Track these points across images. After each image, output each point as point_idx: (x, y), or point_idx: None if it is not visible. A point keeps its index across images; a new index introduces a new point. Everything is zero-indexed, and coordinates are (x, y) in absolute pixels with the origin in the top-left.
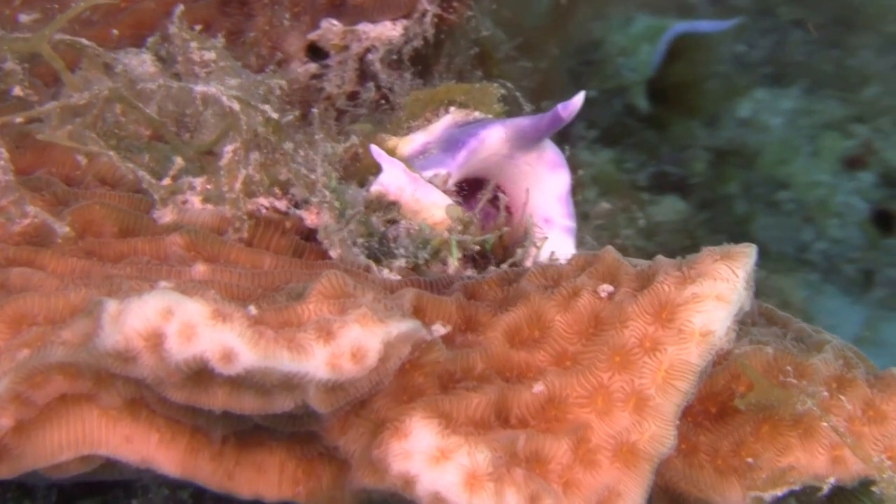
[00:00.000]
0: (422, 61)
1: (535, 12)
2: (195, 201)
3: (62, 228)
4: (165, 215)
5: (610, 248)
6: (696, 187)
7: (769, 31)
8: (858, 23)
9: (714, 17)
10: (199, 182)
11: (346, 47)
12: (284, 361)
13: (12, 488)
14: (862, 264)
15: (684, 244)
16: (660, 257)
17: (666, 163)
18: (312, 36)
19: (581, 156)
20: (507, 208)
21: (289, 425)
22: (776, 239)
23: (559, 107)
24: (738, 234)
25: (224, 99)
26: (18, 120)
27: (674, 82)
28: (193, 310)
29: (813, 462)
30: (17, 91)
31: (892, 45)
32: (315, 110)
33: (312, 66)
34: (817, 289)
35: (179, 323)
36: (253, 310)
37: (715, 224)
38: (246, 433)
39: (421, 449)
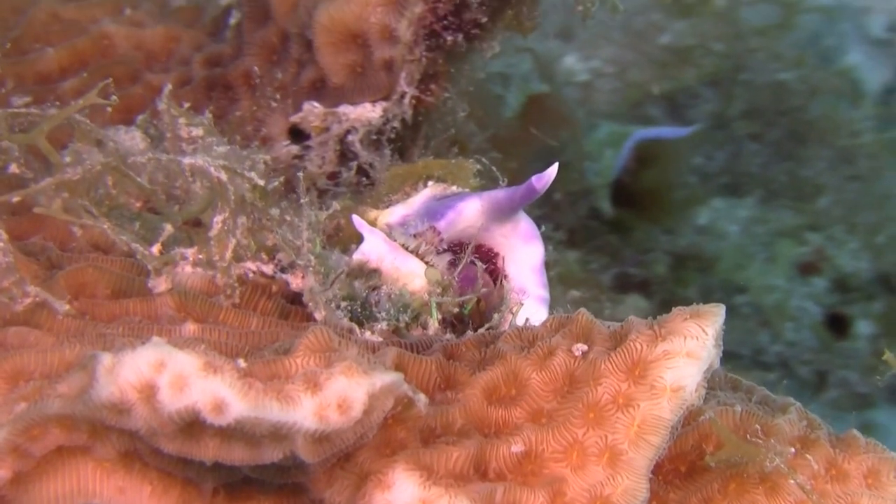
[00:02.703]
0: (400, 142)
1: (505, 117)
2: (185, 264)
3: (63, 307)
4: (160, 285)
5: (583, 309)
6: (657, 289)
7: (726, 144)
8: (811, 137)
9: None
10: (190, 253)
11: (326, 129)
12: (274, 411)
13: None
14: (816, 366)
15: None
16: (632, 317)
17: (628, 265)
18: (295, 118)
19: (548, 256)
20: (484, 276)
21: (277, 476)
22: (734, 341)
23: (533, 178)
24: None
25: (212, 170)
26: (15, 199)
27: (645, 188)
28: (185, 361)
29: None
30: (14, 168)
31: (843, 159)
32: (300, 174)
33: (294, 148)
34: (774, 389)
35: (172, 374)
36: (242, 363)
37: None
38: (235, 486)
39: (403, 500)
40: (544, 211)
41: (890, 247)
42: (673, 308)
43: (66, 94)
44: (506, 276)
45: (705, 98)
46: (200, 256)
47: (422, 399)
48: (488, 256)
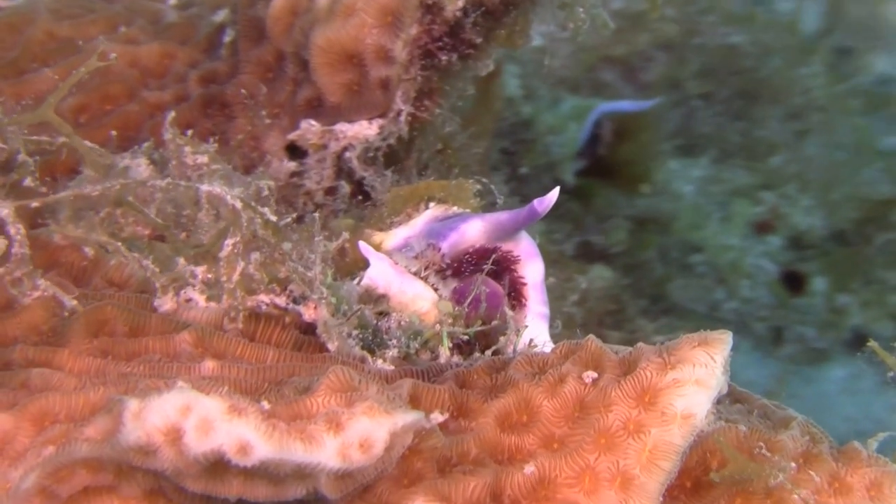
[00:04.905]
0: (395, 157)
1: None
2: (200, 299)
3: (70, 302)
4: (165, 303)
5: (592, 336)
6: (618, 255)
7: (678, 105)
8: (763, 95)
9: (629, 95)
10: (200, 271)
11: (324, 146)
12: (298, 452)
13: None
14: (772, 322)
15: (610, 309)
16: (640, 344)
17: (590, 233)
18: (292, 136)
19: None
20: (495, 285)
21: None
22: (692, 300)
23: (535, 202)
24: (657, 297)
25: (228, 198)
26: (34, 204)
27: (622, 159)
28: (210, 406)
29: None
30: (29, 182)
31: (795, 116)
32: (316, 214)
33: (292, 165)
34: (733, 346)
35: (197, 418)
36: (265, 404)
37: (637, 288)
38: None
39: None
40: (512, 186)
41: (842, 203)
42: (681, 336)
43: (65, 113)
44: (524, 284)
45: (658, 61)
46: (209, 276)
47: (437, 418)
48: (507, 261)
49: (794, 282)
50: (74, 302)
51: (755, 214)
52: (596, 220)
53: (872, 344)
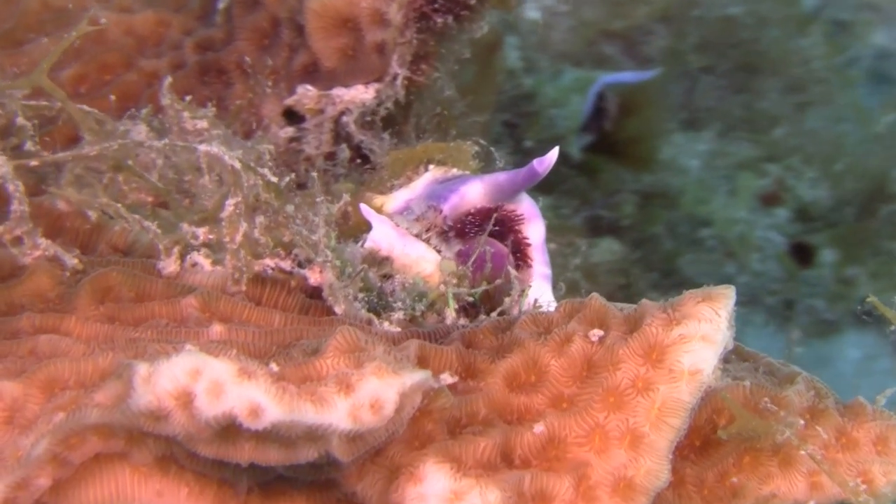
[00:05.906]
0: (393, 122)
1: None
2: (206, 263)
3: (71, 261)
4: (169, 265)
5: (595, 294)
6: (626, 229)
7: (680, 78)
8: (763, 68)
9: (631, 69)
10: (201, 232)
11: (321, 111)
12: (309, 414)
13: None
14: (783, 295)
15: (620, 283)
16: (645, 301)
17: (598, 207)
18: (289, 101)
19: None
20: (498, 245)
21: (310, 474)
22: (702, 274)
23: (535, 162)
24: (667, 272)
25: (226, 158)
26: (33, 163)
27: (627, 136)
28: (221, 368)
29: (793, 489)
30: (29, 146)
31: (795, 88)
32: (314, 174)
33: (290, 130)
34: (744, 319)
35: (208, 381)
36: (275, 367)
37: (646, 263)
38: (269, 484)
39: (435, 492)
40: (517, 159)
41: (847, 174)
42: (684, 291)
43: (64, 84)
44: (529, 245)
45: (658, 34)
46: (211, 236)
47: (447, 380)
48: (510, 221)
49: (802, 254)
50: (75, 260)
51: (761, 187)
52: (603, 195)
53: (872, 299)
